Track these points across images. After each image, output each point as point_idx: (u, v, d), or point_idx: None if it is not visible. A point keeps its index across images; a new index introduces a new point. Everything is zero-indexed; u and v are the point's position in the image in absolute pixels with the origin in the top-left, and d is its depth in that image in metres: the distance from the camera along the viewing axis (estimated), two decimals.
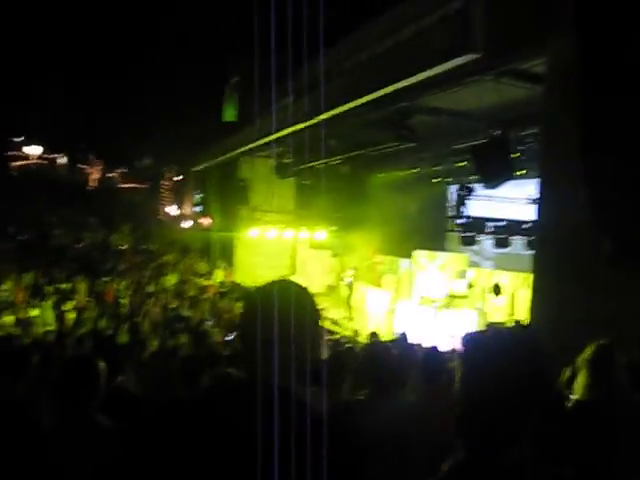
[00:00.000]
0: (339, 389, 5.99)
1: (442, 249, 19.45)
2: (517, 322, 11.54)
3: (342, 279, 20.64)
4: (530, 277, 8.83)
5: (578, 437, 3.05)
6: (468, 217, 12.99)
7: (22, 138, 42.30)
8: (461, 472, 1.78)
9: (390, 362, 3.98)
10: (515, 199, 13.18)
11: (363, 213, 21.33)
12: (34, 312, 17.37)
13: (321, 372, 2.05)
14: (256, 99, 20.24)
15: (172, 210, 33.33)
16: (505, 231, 13.47)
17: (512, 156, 11.37)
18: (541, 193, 7.80)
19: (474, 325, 14.83)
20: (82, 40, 35.72)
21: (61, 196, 33.22)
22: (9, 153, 41.74)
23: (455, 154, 16.04)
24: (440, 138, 15.91)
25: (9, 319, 16.46)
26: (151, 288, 22.17)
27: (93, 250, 27.10)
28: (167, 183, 34.71)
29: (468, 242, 13.57)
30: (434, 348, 5.74)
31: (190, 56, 33.08)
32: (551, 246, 7.36)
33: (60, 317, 17.33)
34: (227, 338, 13.39)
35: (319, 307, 2.08)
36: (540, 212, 7.82)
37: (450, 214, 13.26)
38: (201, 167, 28.32)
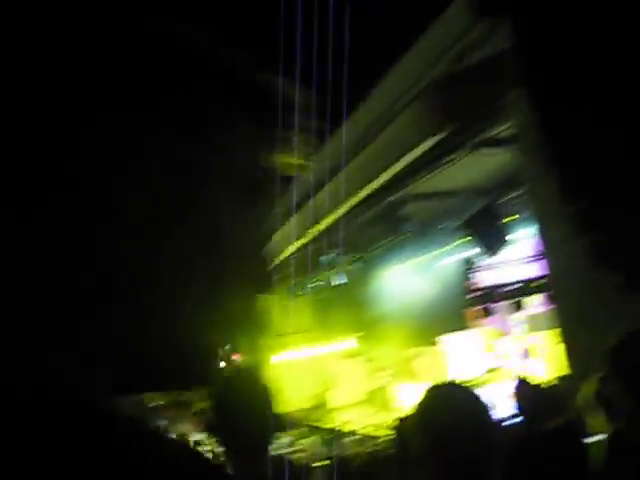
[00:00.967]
0: None
1: (466, 328, 19.32)
2: (558, 378, 11.37)
3: (379, 382, 20.39)
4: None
5: None
6: (478, 289, 13.05)
7: None
8: None
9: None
10: (518, 261, 13.28)
11: (382, 312, 21.32)
12: None
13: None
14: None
15: None
16: (517, 294, 13.49)
17: (503, 222, 11.59)
18: (543, 246, 7.93)
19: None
20: None
21: None
22: None
23: (448, 234, 16.26)
24: (432, 223, 16.17)
25: None
26: None
27: None
28: None
29: (486, 314, 13.57)
30: None
31: None
32: (565, 295, 7.41)
33: None
34: None
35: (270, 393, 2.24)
36: (548, 265, 7.91)
37: (461, 291, 13.31)
38: None
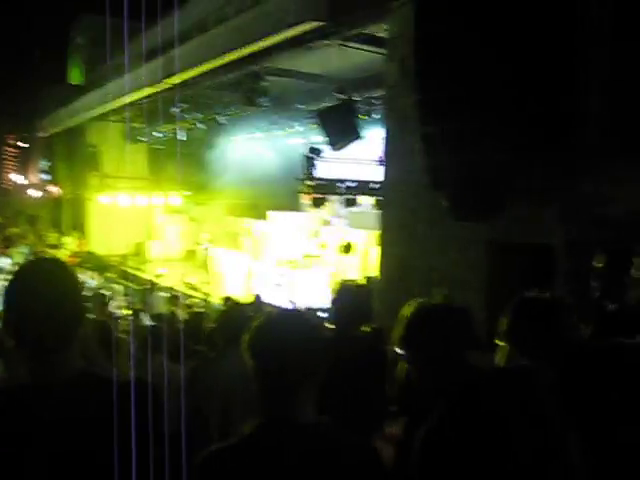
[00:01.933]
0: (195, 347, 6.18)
1: (297, 210, 19.81)
2: (367, 278, 12.02)
3: (199, 244, 20.62)
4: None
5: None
6: (317, 179, 13.30)
7: None
8: (259, 432, 1.91)
9: (244, 322, 4.18)
10: (364, 160, 13.63)
11: (217, 177, 21.34)
12: None
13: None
14: (103, 61, 19.71)
15: (17, 179, 31.78)
16: (354, 191, 13.92)
17: (358, 119, 11.71)
18: (385, 154, 8.17)
19: (327, 284, 15.29)
20: None
21: None
22: None
23: (306, 117, 16.35)
24: (290, 101, 16.14)
25: None
26: None
27: None
28: (10, 150, 32.98)
29: (317, 204, 13.92)
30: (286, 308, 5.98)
31: (24, 12, 31.35)
32: (393, 205, 7.76)
33: None
34: None
35: (79, 281, 2.05)
36: (385, 172, 8.18)
37: (301, 176, 13.52)
38: (48, 133, 27.17)
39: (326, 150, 12.93)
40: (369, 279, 11.48)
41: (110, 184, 23.21)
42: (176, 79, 13.88)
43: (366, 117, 13.43)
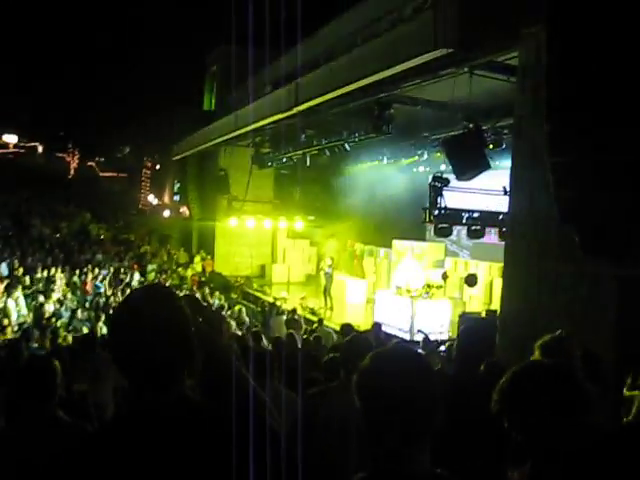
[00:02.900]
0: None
1: (422, 239, 19.62)
2: (489, 311, 11.69)
3: (321, 269, 20.77)
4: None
5: None
6: (443, 208, 13.07)
7: None
8: None
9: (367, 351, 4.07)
10: (491, 190, 13.32)
11: (341, 203, 21.47)
12: (10, 303, 17.29)
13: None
14: (234, 88, 20.36)
15: (152, 199, 33.20)
16: (479, 222, 13.60)
17: (485, 148, 11.45)
18: (511, 184, 7.92)
19: (448, 315, 15.01)
20: (60, 27, 35.43)
21: (40, 185, 32.89)
22: None
23: (433, 145, 16.21)
24: (417, 129, 16.06)
25: None
26: (130, 278, 22.18)
27: (72, 240, 26.96)
28: (147, 172, 34.53)
29: (442, 233, 13.65)
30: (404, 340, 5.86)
31: (170, 45, 33.02)
32: (519, 237, 7.50)
33: (36, 308, 17.28)
34: None
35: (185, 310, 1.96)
36: (510, 203, 7.93)
37: (426, 205, 13.32)
38: (181, 156, 28.27)
39: (452, 179, 12.73)
40: (491, 312, 11.17)
41: (237, 207, 23.79)
42: (302, 106, 14.10)
43: (494, 147, 13.14)
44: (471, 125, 11.18)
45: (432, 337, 11.24)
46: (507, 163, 10.08)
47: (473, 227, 13.76)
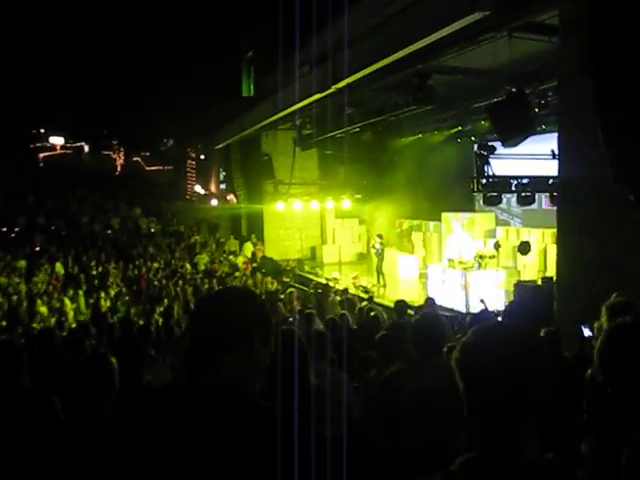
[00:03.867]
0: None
1: (472, 210, 19.34)
2: (545, 278, 11.44)
3: (372, 246, 20.64)
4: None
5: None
6: (491, 176, 12.82)
7: (42, 130, 42.72)
8: (472, 470, 1.61)
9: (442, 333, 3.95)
10: (540, 155, 13.01)
11: (388, 179, 21.27)
12: (67, 301, 17.63)
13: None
14: (272, 71, 20.33)
15: (198, 189, 33.41)
16: (529, 188, 13.28)
17: (530, 112, 11.17)
18: (560, 148, 7.71)
19: (503, 285, 14.80)
20: (100, 26, 35.78)
21: (88, 183, 33.39)
22: (35, 145, 42.21)
23: (476, 113, 15.90)
24: (458, 98, 15.79)
25: (43, 309, 16.74)
26: (182, 269, 22.40)
27: (123, 235, 27.31)
28: (192, 163, 34.74)
29: (491, 202, 13.37)
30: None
31: (204, 34, 33.06)
32: (571, 201, 7.30)
33: (94, 305, 17.58)
34: None
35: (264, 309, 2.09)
36: (560, 167, 7.73)
37: (474, 174, 13.06)
38: (223, 144, 28.35)
39: (499, 146, 12.46)
40: (547, 280, 10.93)
41: (283, 190, 23.79)
42: (343, 83, 13.97)
43: (539, 110, 12.81)
44: (514, 89, 10.92)
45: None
46: (553, 127, 9.83)
47: (523, 194, 13.44)
